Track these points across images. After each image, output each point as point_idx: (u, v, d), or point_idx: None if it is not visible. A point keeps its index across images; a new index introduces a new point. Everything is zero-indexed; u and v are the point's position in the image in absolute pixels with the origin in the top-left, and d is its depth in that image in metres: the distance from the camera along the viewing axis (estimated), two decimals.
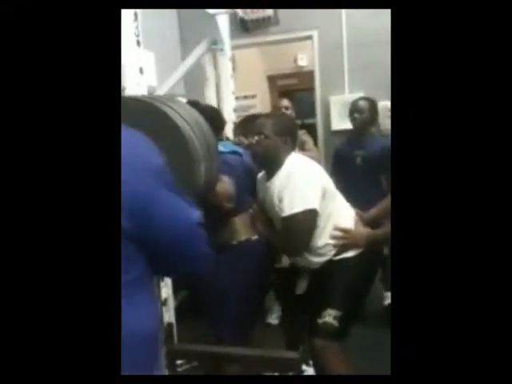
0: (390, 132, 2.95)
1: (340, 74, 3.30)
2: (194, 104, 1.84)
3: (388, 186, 2.64)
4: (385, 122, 3.01)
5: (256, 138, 1.63)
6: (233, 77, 2.19)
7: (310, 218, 1.53)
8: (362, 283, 1.64)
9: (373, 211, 1.85)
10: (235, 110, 2.11)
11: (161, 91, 2.18)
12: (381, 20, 2.84)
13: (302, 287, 1.73)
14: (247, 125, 1.98)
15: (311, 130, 3.29)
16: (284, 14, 3.38)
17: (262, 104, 5.16)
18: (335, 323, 1.52)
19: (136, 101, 1.18)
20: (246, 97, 5.08)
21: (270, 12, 3.38)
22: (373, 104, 2.68)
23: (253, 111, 5.12)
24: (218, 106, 2.37)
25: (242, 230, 1.65)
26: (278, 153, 1.62)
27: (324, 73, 3.38)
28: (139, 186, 0.72)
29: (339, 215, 1.63)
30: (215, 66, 2.38)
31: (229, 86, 2.08)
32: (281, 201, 1.54)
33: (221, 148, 1.54)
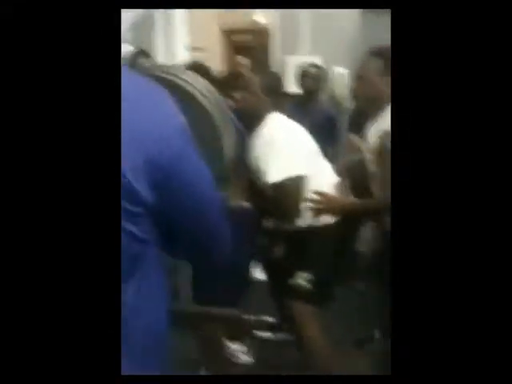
0: (341, 99, 2.98)
1: (297, 35, 3.24)
2: (191, 66, 1.76)
3: (333, 153, 2.71)
4: (338, 88, 3.02)
5: (240, 94, 1.60)
6: (185, 30, 2.07)
7: (297, 184, 1.54)
8: (337, 250, 1.66)
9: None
10: (186, 64, 2.00)
11: None
12: None
13: (279, 251, 1.75)
14: (232, 80, 1.91)
15: None
16: None
17: (214, 58, 4.99)
18: (308, 285, 1.56)
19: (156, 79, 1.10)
20: (197, 49, 4.87)
21: None
22: (323, 70, 2.68)
23: None
24: (166, 60, 2.25)
25: (232, 195, 1.60)
26: (262, 110, 1.60)
27: (280, 31, 3.29)
28: (165, 149, 0.66)
29: (320, 178, 1.62)
30: (166, 16, 2.24)
31: (181, 39, 1.97)
32: (265, 164, 1.52)
33: None
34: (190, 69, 1.73)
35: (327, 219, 1.61)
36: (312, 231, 1.61)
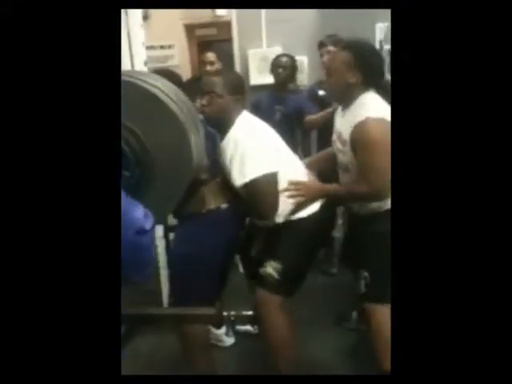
0: (304, 87, 3.03)
1: (258, 27, 3.25)
2: (161, 72, 1.75)
3: (301, 138, 2.75)
4: (300, 77, 3.06)
5: (207, 97, 1.58)
6: (143, 26, 2.06)
7: (271, 181, 1.53)
8: (310, 243, 1.65)
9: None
10: (146, 63, 2.00)
11: None
12: None
13: (258, 247, 1.76)
14: (195, 85, 1.90)
15: None
16: None
17: (180, 55, 4.95)
18: (275, 275, 1.55)
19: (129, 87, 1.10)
20: (163, 47, 4.83)
21: None
22: (293, 61, 2.77)
23: (171, 62, 4.90)
24: (130, 57, 2.23)
25: (211, 198, 1.60)
26: (231, 112, 1.59)
27: (242, 24, 3.30)
28: None
29: (292, 172, 1.63)
30: (125, 12, 2.22)
31: (138, 37, 1.96)
32: (239, 165, 1.51)
33: None
34: (159, 74, 1.75)
35: (308, 210, 1.62)
36: (289, 224, 1.61)
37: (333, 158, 1.73)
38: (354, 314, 2.18)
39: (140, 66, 1.89)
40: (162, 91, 1.16)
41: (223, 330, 2.14)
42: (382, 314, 1.50)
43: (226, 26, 3.88)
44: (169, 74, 1.72)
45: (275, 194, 1.55)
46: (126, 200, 0.77)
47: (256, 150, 1.53)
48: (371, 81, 1.54)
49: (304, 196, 1.59)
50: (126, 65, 2.96)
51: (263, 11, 3.19)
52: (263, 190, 1.52)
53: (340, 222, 2.49)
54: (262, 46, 3.26)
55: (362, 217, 1.66)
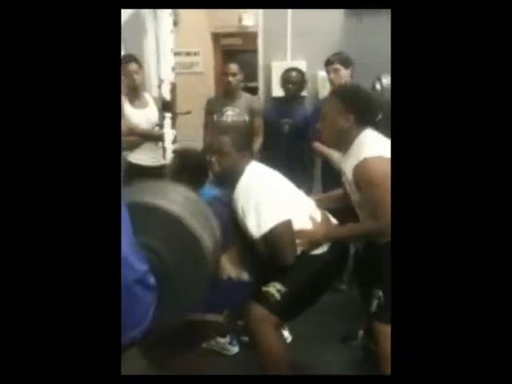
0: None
1: (283, 39, 3.28)
2: (181, 154, 1.82)
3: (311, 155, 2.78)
4: (322, 90, 3.09)
5: (216, 156, 1.67)
6: (173, 33, 2.10)
7: (287, 228, 1.56)
8: (318, 277, 1.66)
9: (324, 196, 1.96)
10: (174, 68, 2.04)
11: None
12: None
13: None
14: (207, 147, 1.96)
15: (254, 93, 3.28)
16: None
17: (205, 62, 5.02)
18: (277, 296, 1.55)
19: (139, 204, 1.16)
20: (188, 53, 4.91)
21: None
22: (303, 75, 2.86)
23: (196, 69, 4.98)
24: (157, 62, 2.28)
25: (231, 266, 1.62)
26: (239, 166, 1.66)
27: (267, 36, 3.33)
28: None
29: (304, 215, 1.65)
30: (155, 18, 2.27)
31: (168, 43, 2.00)
32: (254, 217, 1.55)
33: (202, 197, 1.51)
34: (175, 153, 1.85)
35: (318, 249, 1.64)
36: (301, 255, 1.62)
37: (341, 198, 1.79)
38: (361, 333, 2.16)
39: (167, 72, 1.93)
40: (179, 204, 1.22)
41: (228, 339, 2.14)
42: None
43: (251, 36, 3.93)
44: (189, 154, 1.83)
45: (292, 240, 1.58)
46: (130, 249, 0.76)
47: (268, 200, 1.57)
48: (365, 122, 1.61)
49: (309, 244, 1.62)
50: (152, 70, 3.03)
51: (289, 24, 3.22)
52: (281, 238, 1.55)
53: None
54: (287, 58, 3.29)
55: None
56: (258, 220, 1.55)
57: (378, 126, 1.64)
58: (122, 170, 2.76)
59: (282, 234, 1.55)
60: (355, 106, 1.59)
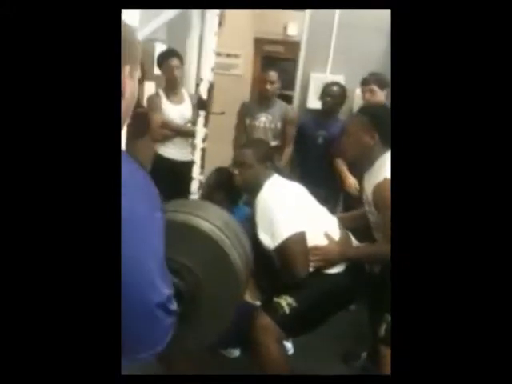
0: None
1: (325, 52, 3.29)
2: (218, 171, 1.87)
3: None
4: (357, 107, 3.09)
5: (239, 168, 1.70)
6: (217, 34, 2.14)
7: (300, 240, 1.56)
8: (332, 298, 1.64)
9: (346, 216, 1.95)
10: (213, 69, 2.07)
11: (141, 34, 2.11)
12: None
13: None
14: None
15: (289, 102, 3.30)
16: None
17: (244, 65, 5.07)
18: (286, 309, 1.55)
19: (174, 222, 1.19)
20: (229, 55, 4.97)
21: None
22: (344, 90, 2.82)
23: (234, 71, 5.04)
24: (198, 60, 2.33)
25: (248, 290, 1.64)
26: (261, 178, 1.69)
27: (310, 47, 3.35)
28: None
29: (321, 230, 1.64)
30: (202, 18, 2.32)
31: (211, 43, 2.04)
32: (268, 229, 1.56)
33: (235, 215, 1.53)
34: (218, 175, 1.87)
35: (334, 269, 1.63)
36: (316, 273, 1.61)
37: (362, 218, 1.76)
38: (364, 355, 2.14)
39: (207, 71, 1.96)
40: (216, 226, 1.24)
41: None
42: None
43: (294, 45, 3.96)
44: (225, 172, 1.89)
45: (305, 253, 1.57)
46: (158, 271, 0.73)
47: (283, 212, 1.57)
48: (389, 141, 1.59)
49: (322, 261, 1.60)
50: (192, 68, 3.09)
51: (333, 38, 3.24)
52: (293, 251, 1.55)
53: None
54: (326, 71, 3.30)
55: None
56: (272, 232, 1.56)
57: None
58: (150, 161, 2.83)
59: (294, 246, 1.55)
60: (381, 124, 1.59)
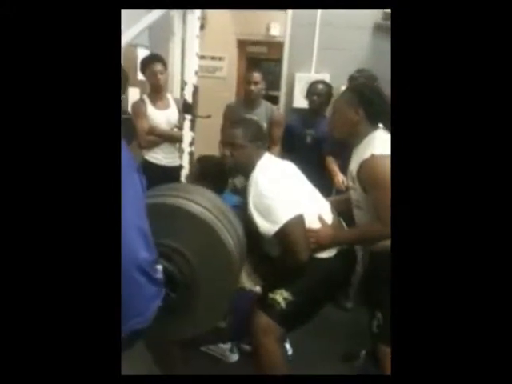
0: None
1: (309, 52, 3.29)
2: (202, 159, 1.83)
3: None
4: None
5: (229, 148, 1.66)
6: (199, 37, 2.12)
7: (299, 223, 1.53)
8: (327, 283, 1.63)
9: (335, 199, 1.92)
10: (196, 72, 2.05)
11: (122, 39, 2.08)
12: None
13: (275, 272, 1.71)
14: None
15: (275, 102, 3.29)
16: None
17: (229, 67, 5.06)
18: (283, 304, 1.53)
19: (164, 205, 1.16)
20: (213, 58, 4.95)
21: None
22: (330, 88, 2.81)
23: (219, 74, 5.02)
24: (182, 64, 2.30)
25: (245, 277, 1.62)
26: (252, 158, 1.65)
27: (294, 47, 3.35)
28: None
29: (308, 216, 1.61)
30: (184, 21, 2.29)
31: (194, 46, 2.01)
32: (266, 214, 1.52)
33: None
34: (197, 160, 1.84)
35: (326, 252, 1.61)
36: (310, 260, 1.58)
37: (348, 201, 1.74)
38: (363, 353, 2.13)
39: (191, 76, 1.94)
40: (207, 209, 1.21)
41: (228, 345, 2.13)
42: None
43: (277, 46, 3.96)
44: (210, 161, 1.85)
45: (306, 236, 1.55)
46: (133, 232, 0.74)
47: (279, 194, 1.54)
48: (375, 118, 1.59)
49: (315, 244, 1.58)
50: (176, 72, 3.06)
51: (316, 36, 3.24)
52: (294, 234, 1.52)
53: (360, 255, 2.47)
54: (311, 71, 3.30)
55: (376, 255, 1.63)
56: (270, 217, 1.52)
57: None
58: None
59: (294, 229, 1.51)
60: (365, 100, 1.57)
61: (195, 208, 1.19)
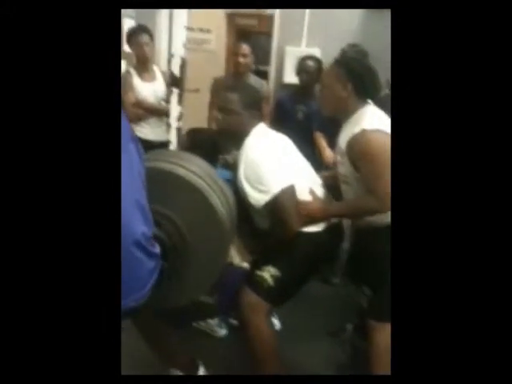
0: None
1: (300, 25, 3.22)
2: (192, 132, 1.77)
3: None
4: None
5: (222, 113, 1.61)
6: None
7: (290, 194, 1.51)
8: (313, 258, 1.63)
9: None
10: (184, 45, 2.00)
11: None
12: None
13: (261, 247, 1.71)
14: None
15: (264, 77, 3.23)
16: None
17: (217, 41, 4.94)
18: (271, 281, 1.53)
19: (154, 170, 1.12)
20: (201, 30, 4.83)
21: None
22: (320, 64, 2.76)
23: (207, 47, 4.91)
24: (169, 37, 2.23)
25: (234, 252, 1.61)
26: (246, 127, 1.61)
27: (284, 21, 3.28)
28: None
29: (299, 188, 1.60)
30: None
31: (181, 18, 1.95)
32: (257, 185, 1.50)
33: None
34: (187, 132, 1.79)
35: (314, 226, 1.60)
36: (296, 235, 1.57)
37: (335, 178, 1.73)
38: (349, 327, 2.17)
39: (178, 48, 1.89)
40: (199, 176, 1.19)
41: (216, 321, 2.15)
42: (382, 332, 1.49)
43: (267, 19, 3.86)
44: (201, 133, 1.82)
45: (296, 207, 1.53)
46: (130, 207, 0.74)
47: (271, 165, 1.52)
48: (364, 93, 1.57)
49: (306, 216, 1.57)
50: (163, 44, 2.98)
51: (307, 10, 3.16)
52: (285, 204, 1.50)
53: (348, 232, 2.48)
54: (301, 45, 3.24)
55: (362, 231, 1.64)
56: (261, 187, 1.50)
57: (382, 105, 1.59)
58: None
59: (285, 200, 1.50)
60: (354, 74, 1.54)
61: (187, 174, 1.17)
